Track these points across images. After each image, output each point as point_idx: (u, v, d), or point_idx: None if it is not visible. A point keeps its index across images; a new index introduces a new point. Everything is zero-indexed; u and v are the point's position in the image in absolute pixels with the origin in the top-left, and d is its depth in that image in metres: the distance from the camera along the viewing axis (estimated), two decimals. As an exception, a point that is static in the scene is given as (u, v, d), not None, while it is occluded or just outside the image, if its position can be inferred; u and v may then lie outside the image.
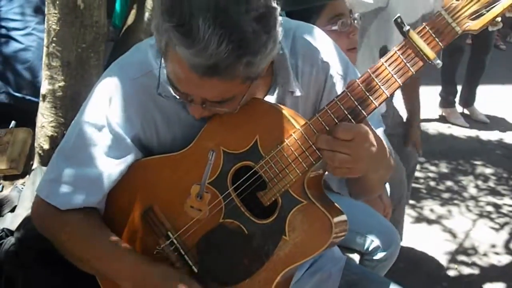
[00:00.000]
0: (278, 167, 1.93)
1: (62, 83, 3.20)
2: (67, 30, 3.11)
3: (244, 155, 1.98)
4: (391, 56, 1.82)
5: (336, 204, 2.02)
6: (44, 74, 3.25)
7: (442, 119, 6.90)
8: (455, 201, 5.40)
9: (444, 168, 5.94)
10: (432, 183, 5.64)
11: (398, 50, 1.81)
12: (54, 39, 3.14)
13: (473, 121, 6.93)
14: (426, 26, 1.79)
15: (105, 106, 2.03)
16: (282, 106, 2.00)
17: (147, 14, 3.27)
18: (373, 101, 1.84)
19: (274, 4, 1.78)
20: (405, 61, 1.80)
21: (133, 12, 3.57)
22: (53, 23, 3.11)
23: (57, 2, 3.06)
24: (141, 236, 2.11)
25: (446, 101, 6.91)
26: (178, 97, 1.93)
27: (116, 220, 2.13)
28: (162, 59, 1.87)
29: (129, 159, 2.07)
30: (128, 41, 3.42)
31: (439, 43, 1.79)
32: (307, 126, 1.89)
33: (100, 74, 3.17)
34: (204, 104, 1.88)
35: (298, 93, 2.10)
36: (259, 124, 1.97)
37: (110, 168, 2.05)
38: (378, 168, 1.99)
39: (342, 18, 2.98)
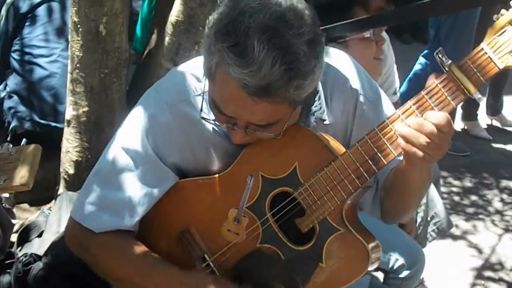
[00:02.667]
0: (317, 195, 1.96)
1: (86, 108, 3.25)
2: (90, 56, 3.17)
3: (282, 181, 2.00)
4: (432, 89, 1.84)
5: (368, 230, 2.04)
6: (68, 100, 3.30)
7: (465, 133, 6.84)
8: (480, 216, 5.34)
9: (468, 182, 5.89)
10: (456, 198, 5.59)
11: (439, 83, 1.84)
12: (78, 65, 3.19)
13: (496, 133, 6.85)
14: (468, 61, 1.81)
15: (143, 132, 2.06)
16: (321, 133, 2.04)
17: (167, 39, 3.30)
18: None
19: (320, 32, 1.83)
20: (446, 94, 1.83)
21: (153, 37, 3.60)
22: (77, 50, 3.17)
23: (80, 29, 3.11)
24: (176, 257, 2.11)
25: (469, 114, 6.85)
26: (219, 123, 1.96)
27: (151, 240, 2.14)
28: (207, 81, 1.91)
29: (166, 185, 2.09)
30: (149, 66, 3.46)
31: (481, 77, 1.81)
32: (346, 155, 1.93)
33: (122, 98, 3.24)
34: (248, 129, 1.91)
35: (328, 121, 2.13)
36: (298, 150, 2.00)
37: (146, 194, 2.07)
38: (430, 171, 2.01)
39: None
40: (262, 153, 2.03)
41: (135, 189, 2.06)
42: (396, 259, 3.12)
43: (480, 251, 4.86)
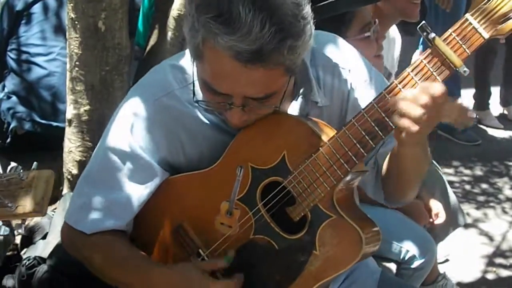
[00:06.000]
0: (307, 182, 1.94)
1: (87, 107, 3.24)
2: (90, 54, 3.15)
3: (272, 170, 1.99)
4: (417, 66, 1.81)
5: (367, 215, 2.03)
6: (68, 98, 3.29)
7: (476, 122, 6.85)
8: (491, 204, 5.36)
9: (478, 170, 5.90)
10: (467, 187, 5.61)
11: (424, 58, 1.80)
12: (77, 63, 3.17)
13: (507, 122, 6.87)
14: (453, 33, 1.77)
15: (128, 130, 2.05)
16: (310, 118, 2.03)
17: (170, 34, 3.30)
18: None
19: None
20: (432, 70, 1.79)
21: (155, 32, 3.60)
22: (75, 47, 3.15)
23: (78, 26, 3.09)
24: (172, 254, 2.13)
25: (480, 104, 6.86)
26: (214, 106, 1.94)
27: (146, 238, 2.15)
28: (195, 65, 1.89)
29: (155, 182, 2.09)
30: (152, 61, 3.44)
31: (466, 50, 1.77)
32: (334, 140, 1.90)
33: (124, 96, 3.22)
34: (245, 106, 1.88)
35: (322, 103, 2.11)
36: (286, 139, 1.98)
37: (136, 192, 2.07)
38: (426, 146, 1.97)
39: (371, 26, 3.01)
40: (250, 144, 2.01)
41: (124, 189, 2.06)
42: (407, 250, 3.13)
43: (491, 238, 4.89)
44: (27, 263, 2.65)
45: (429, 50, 1.80)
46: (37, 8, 4.09)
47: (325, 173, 1.91)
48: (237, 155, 2.02)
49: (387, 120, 1.84)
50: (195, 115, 2.06)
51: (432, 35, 1.78)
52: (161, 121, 2.05)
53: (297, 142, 1.96)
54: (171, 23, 3.29)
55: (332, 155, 1.90)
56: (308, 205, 1.95)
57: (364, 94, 2.13)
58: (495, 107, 7.00)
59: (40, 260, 2.66)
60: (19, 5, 4.08)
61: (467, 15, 1.77)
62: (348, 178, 1.94)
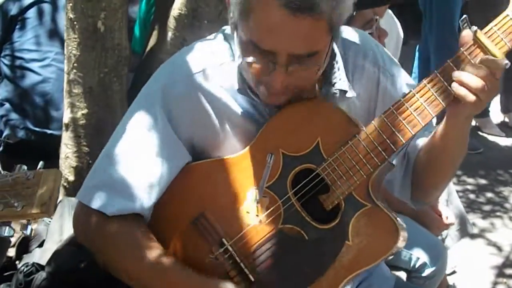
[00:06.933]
0: (342, 170, 1.94)
1: (85, 111, 3.21)
2: (88, 55, 3.15)
3: (305, 157, 1.98)
4: (458, 57, 1.87)
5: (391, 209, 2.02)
6: (65, 102, 3.27)
7: (477, 130, 6.84)
8: (497, 213, 5.35)
9: (482, 179, 5.90)
10: (471, 196, 5.60)
11: (465, 50, 1.86)
12: (75, 65, 3.16)
13: (509, 129, 6.86)
14: (494, 27, 1.85)
15: (155, 104, 2.01)
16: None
17: (170, 34, 3.28)
18: (441, 101, 1.89)
19: None
20: (473, 62, 1.85)
21: (154, 33, 3.57)
22: (73, 48, 3.13)
23: (77, 27, 3.08)
24: (192, 243, 2.05)
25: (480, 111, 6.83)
26: (255, 71, 1.93)
27: (164, 227, 2.06)
28: (239, 27, 1.90)
29: (179, 162, 2.03)
30: (151, 63, 3.43)
31: (507, 43, 1.85)
32: (372, 126, 1.93)
33: (123, 99, 3.20)
34: (289, 66, 1.87)
35: (350, 94, 2.09)
36: (320, 125, 1.98)
37: (161, 169, 1.99)
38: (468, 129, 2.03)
39: (373, 23, 3.01)
40: (282, 130, 2.00)
41: (149, 166, 1.99)
42: (417, 258, 3.11)
43: (499, 248, 4.87)
44: (24, 270, 2.58)
45: (471, 42, 1.86)
46: (31, 13, 4.08)
47: (362, 160, 1.92)
48: (267, 142, 2.01)
49: (427, 108, 1.89)
50: (227, 100, 2.04)
51: (474, 28, 1.85)
52: (191, 99, 2.03)
53: (332, 129, 1.97)
54: (171, 23, 3.27)
55: (370, 142, 1.92)
56: (343, 193, 1.95)
57: (393, 89, 2.17)
58: (496, 114, 7.02)
59: (38, 267, 2.59)
60: (13, 10, 4.07)
61: (508, 11, 1.85)
62: (383, 167, 1.94)
